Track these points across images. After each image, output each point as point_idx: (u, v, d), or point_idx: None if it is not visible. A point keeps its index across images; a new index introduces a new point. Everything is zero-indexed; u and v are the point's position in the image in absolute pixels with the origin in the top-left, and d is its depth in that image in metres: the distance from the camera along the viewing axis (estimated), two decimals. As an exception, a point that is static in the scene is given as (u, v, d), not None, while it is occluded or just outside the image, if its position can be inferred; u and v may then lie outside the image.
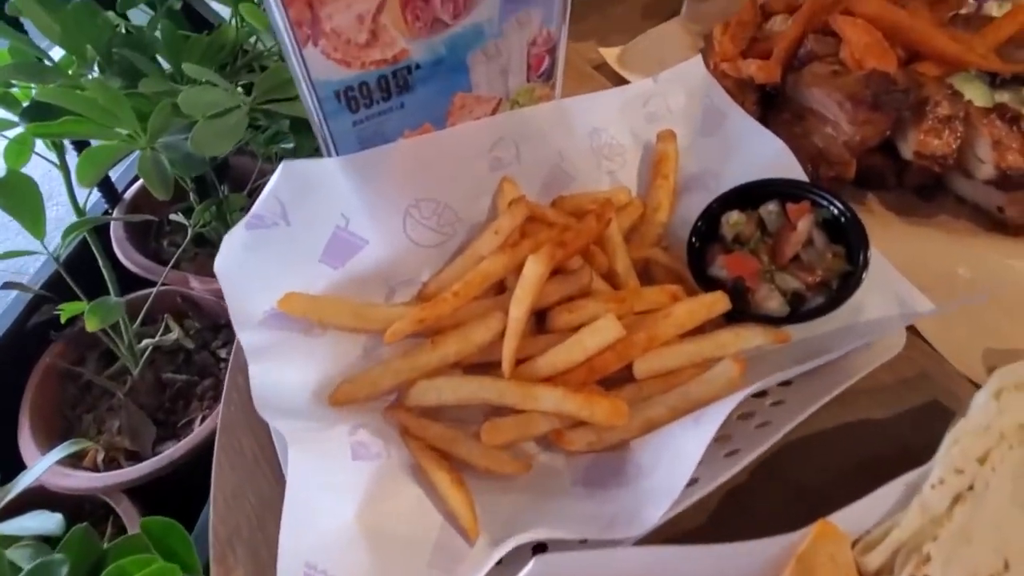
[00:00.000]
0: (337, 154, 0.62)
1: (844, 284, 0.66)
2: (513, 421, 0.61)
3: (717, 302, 0.64)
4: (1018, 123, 0.87)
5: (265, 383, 0.58)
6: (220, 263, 0.62)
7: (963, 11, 1.06)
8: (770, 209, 0.71)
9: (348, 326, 0.66)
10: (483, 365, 0.68)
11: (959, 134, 0.77)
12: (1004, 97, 0.96)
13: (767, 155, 0.79)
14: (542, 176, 0.79)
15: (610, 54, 1.13)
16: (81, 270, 1.34)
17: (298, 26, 0.48)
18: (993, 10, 1.03)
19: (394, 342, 0.63)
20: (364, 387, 0.63)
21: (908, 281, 0.70)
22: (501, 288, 0.73)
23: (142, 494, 1.37)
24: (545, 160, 0.78)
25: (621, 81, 1.10)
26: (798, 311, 0.66)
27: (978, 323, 0.75)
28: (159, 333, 1.52)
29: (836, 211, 0.68)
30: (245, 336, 0.61)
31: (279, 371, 0.60)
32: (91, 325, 1.16)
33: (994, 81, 1.00)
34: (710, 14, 1.19)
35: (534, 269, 0.65)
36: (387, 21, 0.52)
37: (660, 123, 0.89)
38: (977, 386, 0.72)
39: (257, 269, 0.63)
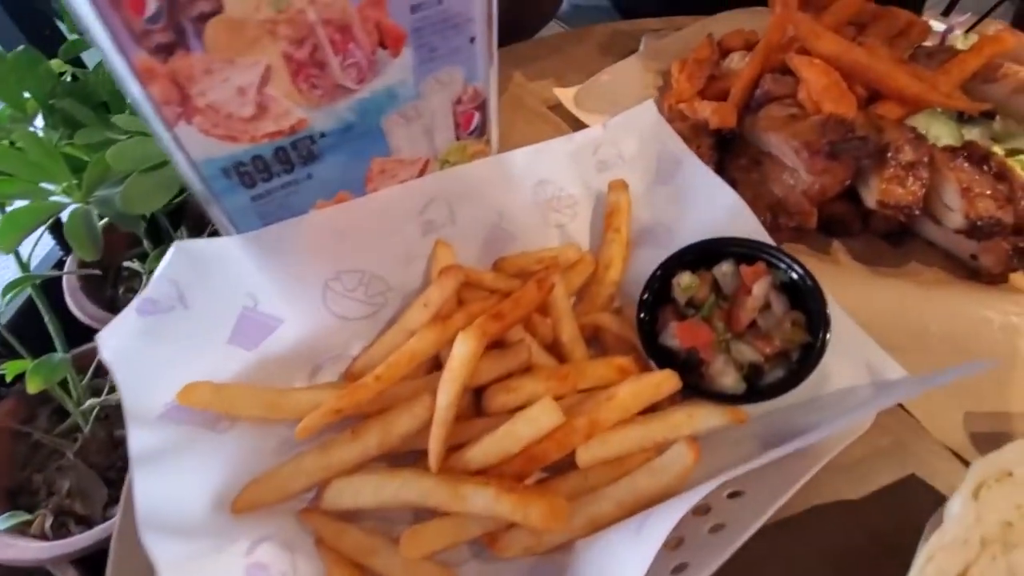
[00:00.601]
0: (237, 231, 0.55)
1: (805, 357, 0.59)
2: (439, 526, 0.54)
3: (665, 382, 0.57)
4: (988, 163, 0.81)
5: (154, 495, 0.50)
6: (110, 352, 0.55)
7: (927, 43, 1.02)
8: (724, 270, 0.65)
9: (259, 417, 0.58)
10: (412, 453, 0.61)
11: (924, 181, 0.71)
12: (973, 133, 0.91)
13: (722, 208, 0.73)
14: (481, 237, 0.72)
15: (565, 95, 1.07)
16: (30, 324, 1.27)
17: (165, 105, 0.42)
18: (958, 42, 0.99)
19: (306, 438, 0.56)
20: (272, 490, 0.55)
21: (877, 345, 0.63)
22: (437, 363, 0.66)
23: (91, 564, 1.27)
24: (483, 219, 0.71)
25: (578, 123, 1.04)
26: (756, 387, 0.59)
27: (957, 384, 0.68)
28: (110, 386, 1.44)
29: (795, 274, 0.62)
30: (136, 437, 0.53)
31: (174, 478, 0.53)
32: (32, 386, 1.08)
33: (962, 116, 0.95)
34: (668, 51, 1.14)
35: (463, 349, 0.58)
36: (276, 92, 0.46)
37: (612, 171, 0.83)
38: (958, 456, 0.66)
39: (154, 358, 0.56)
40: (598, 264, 0.76)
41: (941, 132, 0.88)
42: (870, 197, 0.73)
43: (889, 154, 0.73)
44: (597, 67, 1.17)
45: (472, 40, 0.55)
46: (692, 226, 0.75)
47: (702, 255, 0.67)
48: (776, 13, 0.89)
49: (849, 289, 0.75)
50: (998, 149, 0.88)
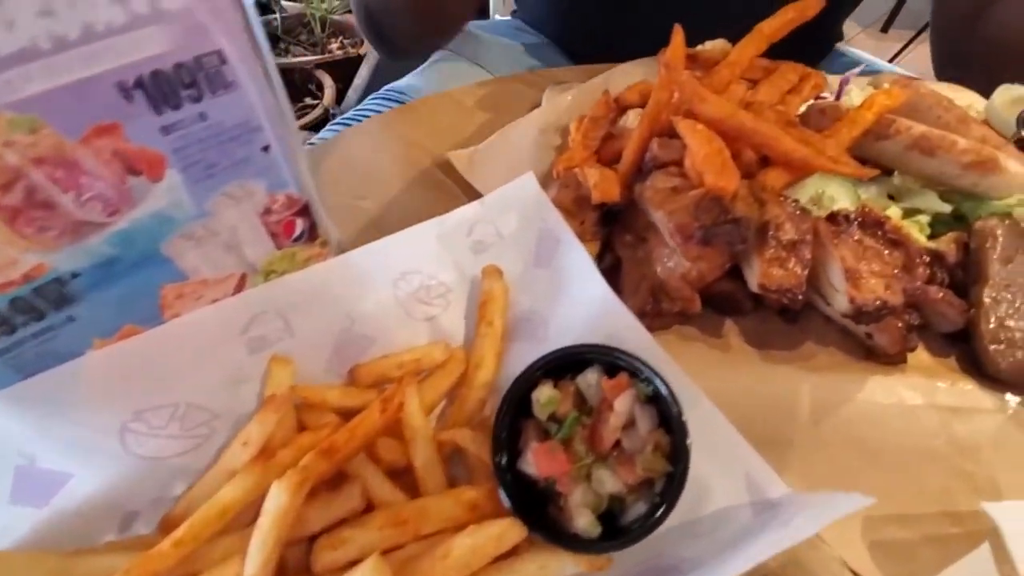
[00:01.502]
0: (-12, 389, 0.46)
1: (668, 487, 0.52)
2: None
3: (508, 532, 0.49)
4: (882, 228, 0.76)
5: None
6: None
7: (826, 95, 0.98)
8: (589, 380, 0.57)
9: (37, 596, 0.48)
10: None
11: (806, 262, 0.65)
12: (870, 192, 0.86)
13: (592, 300, 0.66)
14: (329, 346, 0.63)
15: (460, 158, 1.00)
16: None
17: None
18: (855, 96, 0.94)
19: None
20: None
21: (759, 457, 0.56)
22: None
23: None
24: (329, 327, 0.63)
25: (474, 191, 0.96)
26: (613, 529, 0.51)
27: (854, 486, 0.62)
28: None
29: (658, 387, 0.55)
30: None
31: None
32: None
33: None
34: (571, 105, 1.08)
35: (276, 503, 0.49)
36: (-10, 242, 0.38)
37: (489, 253, 0.76)
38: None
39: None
40: (469, 363, 0.68)
41: (837, 193, 0.83)
42: (752, 279, 0.67)
43: (770, 232, 0.67)
44: (503, 122, 1.10)
45: (266, 149, 0.47)
46: (565, 320, 0.68)
47: (568, 361, 0.59)
48: (661, 74, 0.84)
49: (740, 376, 0.68)
50: (895, 209, 0.83)
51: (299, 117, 2.41)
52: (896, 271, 0.67)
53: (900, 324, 0.67)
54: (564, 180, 0.90)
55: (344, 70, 2.58)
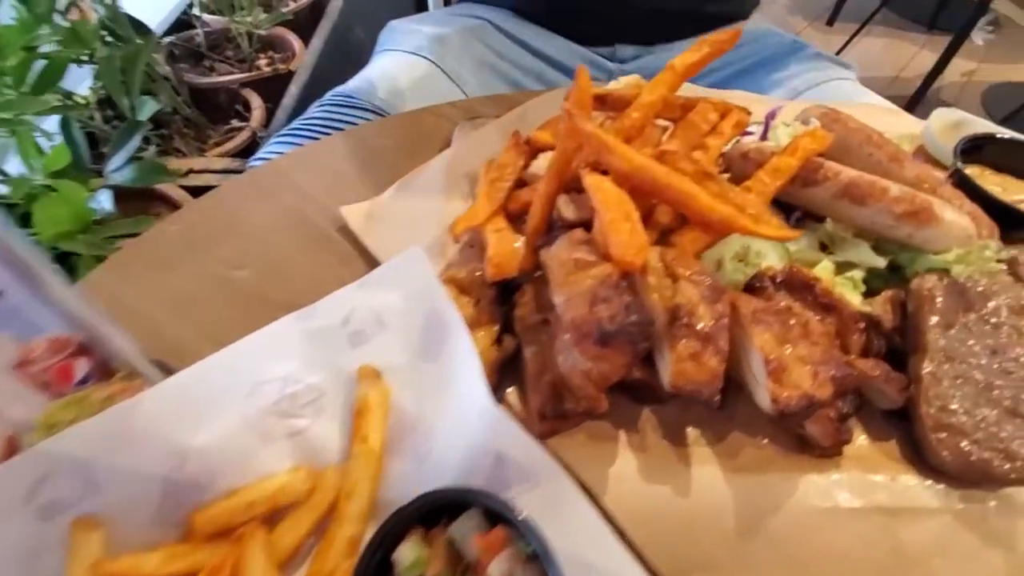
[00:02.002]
0: None
1: None
2: None
3: None
4: (812, 291, 0.68)
5: None
6: None
7: (752, 129, 0.89)
8: (464, 531, 0.47)
9: None
10: None
11: (723, 354, 0.56)
12: (800, 243, 0.78)
13: (475, 409, 0.56)
14: (155, 493, 0.51)
15: (355, 214, 0.88)
16: None
17: None
18: (781, 134, 0.86)
19: None
20: None
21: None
22: None
23: None
24: (151, 472, 0.51)
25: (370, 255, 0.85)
26: None
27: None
28: None
29: (541, 547, 0.45)
30: None
31: None
32: None
33: (789, 219, 0.82)
34: (484, 145, 0.97)
35: None
36: None
37: (369, 346, 0.64)
38: None
39: None
40: (340, 491, 0.57)
41: (764, 247, 0.74)
42: (664, 374, 0.58)
43: (682, 320, 0.57)
44: (413, 164, 0.99)
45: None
46: (449, 435, 0.57)
47: (439, 506, 0.49)
48: (565, 122, 0.73)
49: (657, 487, 0.59)
50: (827, 264, 0.75)
51: (224, 142, 2.24)
52: (825, 353, 0.58)
53: (832, 415, 0.58)
54: (466, 245, 0.79)
55: (273, 88, 2.41)
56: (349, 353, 0.64)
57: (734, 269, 0.74)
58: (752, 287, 0.70)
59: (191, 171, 2.02)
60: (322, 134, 1.10)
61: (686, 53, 0.77)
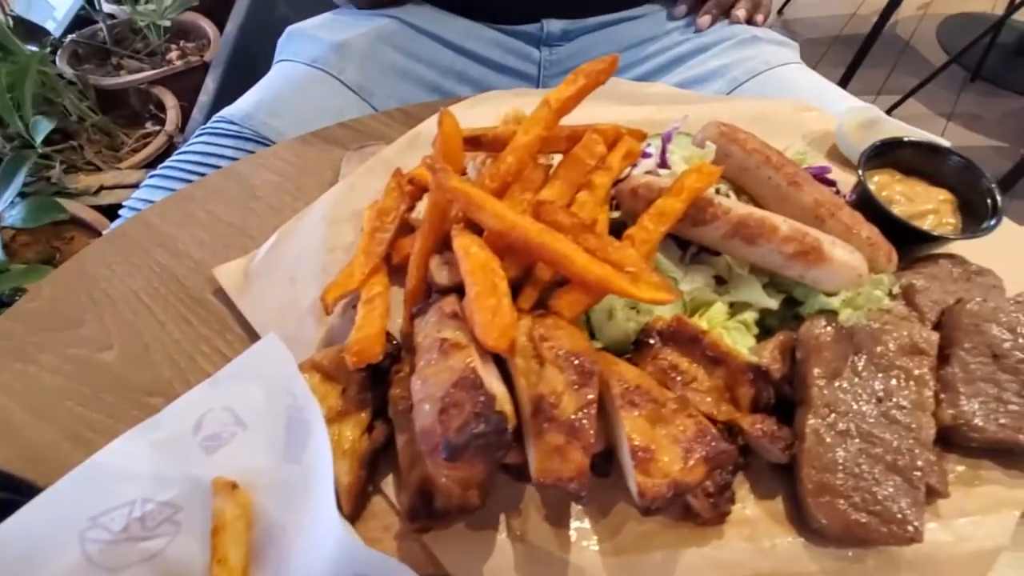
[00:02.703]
0: None
1: None
2: None
3: None
4: (699, 343, 0.64)
5: None
6: None
7: (650, 148, 0.83)
8: None
9: None
10: None
11: (590, 446, 0.53)
12: (696, 280, 0.73)
13: (328, 532, 0.52)
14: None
15: (230, 273, 0.80)
16: None
17: None
18: (677, 161, 0.79)
19: None
20: None
21: None
22: None
23: None
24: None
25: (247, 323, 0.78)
26: None
27: None
28: None
29: None
30: None
31: None
32: None
33: (685, 252, 0.77)
34: (369, 183, 0.88)
35: None
36: None
37: (227, 450, 0.59)
38: None
39: None
40: (199, 617, 0.54)
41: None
42: (531, 467, 0.54)
43: (545, 412, 0.53)
44: (300, 206, 0.90)
45: None
46: (306, 554, 0.53)
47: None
48: (433, 177, 0.66)
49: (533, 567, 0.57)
50: (721, 306, 0.71)
51: (140, 148, 2.08)
52: (698, 429, 0.55)
53: (709, 489, 0.56)
54: (348, 306, 0.73)
55: (188, 83, 2.23)
56: (205, 460, 0.59)
57: (626, 318, 0.69)
58: (639, 343, 0.67)
59: (103, 188, 1.88)
60: (198, 174, 1.01)
61: (561, 87, 0.69)
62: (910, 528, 0.55)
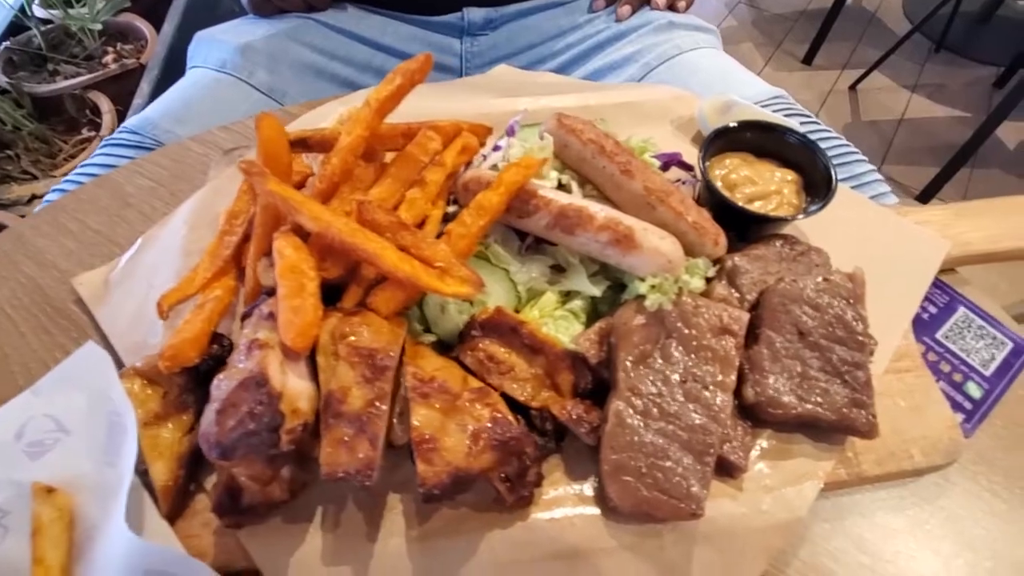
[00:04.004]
0: None
1: None
2: None
3: None
4: (519, 336, 0.66)
5: None
6: None
7: (501, 142, 0.83)
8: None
9: None
10: None
11: (376, 440, 0.54)
12: (531, 272, 0.75)
13: (120, 529, 0.54)
14: None
15: (90, 284, 0.81)
16: None
17: None
18: (515, 156, 0.80)
19: None
20: None
21: None
22: None
23: None
24: None
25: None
26: None
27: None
28: None
29: None
30: None
31: None
32: None
33: (523, 244, 0.78)
34: (233, 187, 0.89)
35: None
36: None
37: (51, 456, 0.61)
38: None
39: None
40: (17, 616, 0.56)
41: (489, 283, 0.72)
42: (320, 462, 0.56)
43: (334, 407, 0.55)
44: (168, 212, 0.90)
45: None
46: (105, 556, 0.56)
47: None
48: (250, 180, 0.67)
49: (335, 563, 0.58)
50: (551, 296, 0.72)
51: (77, 154, 2.08)
52: (493, 418, 0.57)
53: (504, 475, 0.58)
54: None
55: (124, 86, 2.22)
56: (29, 466, 0.60)
57: (458, 311, 0.71)
58: (463, 335, 0.68)
59: (34, 197, 1.88)
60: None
61: (380, 86, 0.70)
62: (693, 504, 0.57)
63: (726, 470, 0.63)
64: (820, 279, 0.67)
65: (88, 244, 0.88)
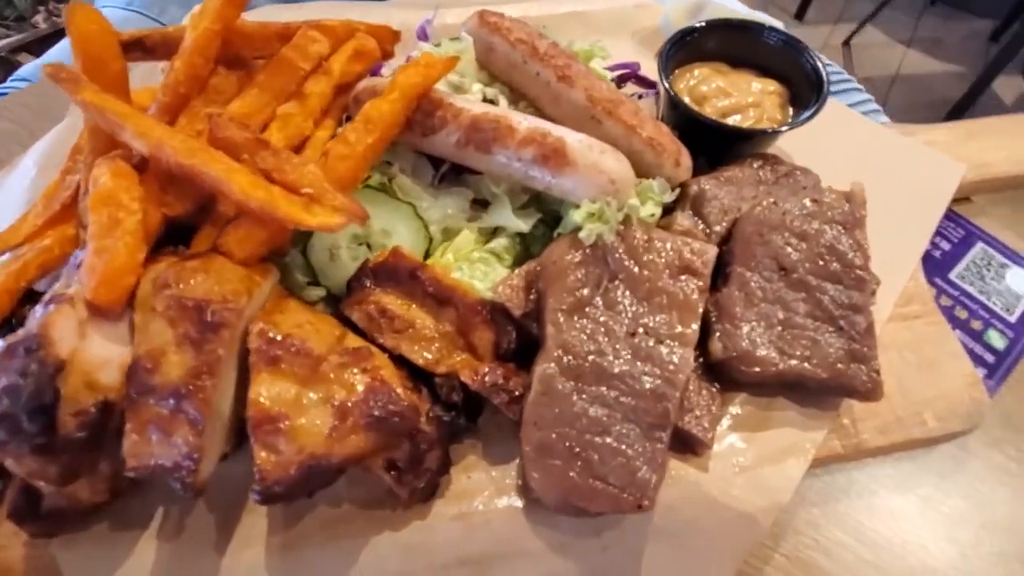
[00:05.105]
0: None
1: None
2: None
3: None
4: (420, 283, 0.51)
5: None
6: None
7: (415, 52, 0.67)
8: None
9: None
10: None
11: (199, 422, 0.40)
12: (447, 207, 0.59)
13: None
14: None
15: None
16: None
17: None
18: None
19: None
20: None
21: None
22: None
23: None
24: None
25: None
26: None
27: None
28: None
29: None
30: None
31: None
32: None
33: (439, 180, 0.62)
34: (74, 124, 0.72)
35: None
36: None
37: None
38: None
39: None
40: None
41: (392, 223, 0.56)
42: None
43: (143, 377, 0.40)
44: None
45: None
46: None
47: None
48: (64, 88, 0.51)
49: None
50: (468, 235, 0.57)
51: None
52: (374, 387, 0.42)
53: (396, 464, 0.44)
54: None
55: (54, 46, 2.02)
56: None
57: (352, 257, 0.56)
58: (350, 286, 0.53)
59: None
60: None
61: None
62: (638, 493, 0.42)
63: (687, 446, 0.49)
64: (807, 201, 0.52)
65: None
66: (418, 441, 0.45)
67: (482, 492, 0.48)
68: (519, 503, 0.47)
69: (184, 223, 0.53)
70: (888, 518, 0.51)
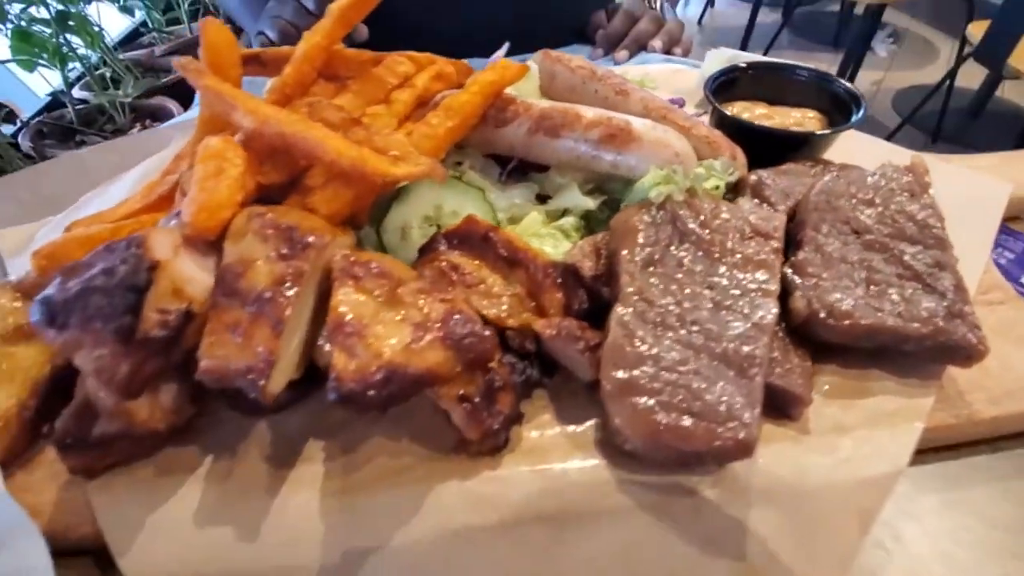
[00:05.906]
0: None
1: None
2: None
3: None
4: (491, 246, 0.52)
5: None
6: None
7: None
8: None
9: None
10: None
11: (280, 327, 0.39)
12: (511, 197, 0.62)
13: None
14: None
15: (10, 236, 0.69)
16: None
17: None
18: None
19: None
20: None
21: None
22: None
23: None
24: None
25: None
26: None
27: None
28: None
29: None
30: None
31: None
32: None
33: (504, 174, 0.67)
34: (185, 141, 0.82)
35: None
36: None
37: None
38: None
39: None
40: None
41: (461, 205, 0.59)
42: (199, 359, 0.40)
43: (229, 283, 0.41)
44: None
45: None
46: None
47: None
48: (187, 77, 0.59)
49: (214, 523, 0.39)
50: (536, 215, 0.59)
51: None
52: (450, 311, 0.42)
53: (470, 392, 0.41)
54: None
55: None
56: None
57: (422, 235, 0.58)
58: (423, 249, 0.54)
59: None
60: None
61: (343, -4, 0.64)
62: (740, 429, 0.38)
63: (781, 410, 0.44)
64: (870, 172, 0.53)
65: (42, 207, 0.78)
66: (492, 378, 0.42)
67: (558, 448, 0.43)
68: (600, 459, 0.42)
69: (273, 200, 0.56)
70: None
